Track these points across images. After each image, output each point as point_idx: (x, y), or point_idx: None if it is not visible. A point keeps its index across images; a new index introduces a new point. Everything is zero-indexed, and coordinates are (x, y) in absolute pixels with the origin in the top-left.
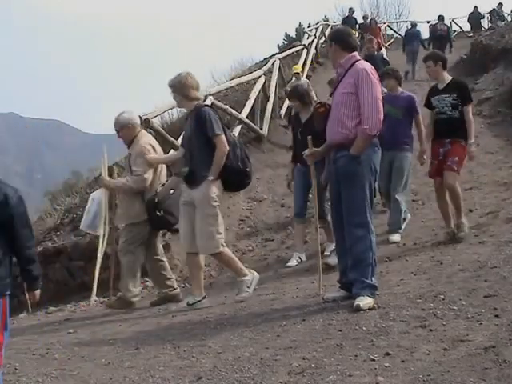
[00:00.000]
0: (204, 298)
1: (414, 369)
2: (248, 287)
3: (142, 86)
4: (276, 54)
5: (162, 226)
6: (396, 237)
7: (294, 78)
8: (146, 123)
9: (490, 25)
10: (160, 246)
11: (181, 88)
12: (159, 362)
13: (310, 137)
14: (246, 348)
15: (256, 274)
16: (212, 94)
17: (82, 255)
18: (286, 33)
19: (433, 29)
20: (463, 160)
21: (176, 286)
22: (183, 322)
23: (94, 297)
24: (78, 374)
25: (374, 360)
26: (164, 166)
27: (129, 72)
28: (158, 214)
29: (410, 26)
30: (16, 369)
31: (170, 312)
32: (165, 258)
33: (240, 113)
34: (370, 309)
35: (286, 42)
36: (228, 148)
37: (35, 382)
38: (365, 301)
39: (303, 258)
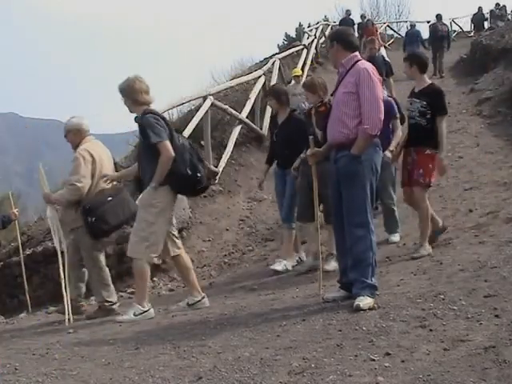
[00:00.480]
0: (203, 297)
1: (414, 369)
2: (135, 315)
3: None
4: (276, 54)
5: (93, 233)
6: (396, 237)
7: (293, 81)
8: None
9: (489, 25)
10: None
11: (129, 93)
12: (159, 361)
13: (311, 137)
14: (245, 348)
15: (152, 312)
16: (212, 94)
17: None
18: (286, 33)
19: (433, 29)
20: (430, 170)
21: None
22: (183, 321)
23: (67, 313)
24: (77, 374)
25: (374, 360)
26: (106, 171)
27: (129, 72)
28: (90, 220)
29: (409, 27)
30: (16, 369)
31: (169, 312)
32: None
33: (240, 113)
34: (370, 309)
35: (286, 42)
36: (173, 154)
37: (35, 381)
38: (365, 301)
39: (303, 257)
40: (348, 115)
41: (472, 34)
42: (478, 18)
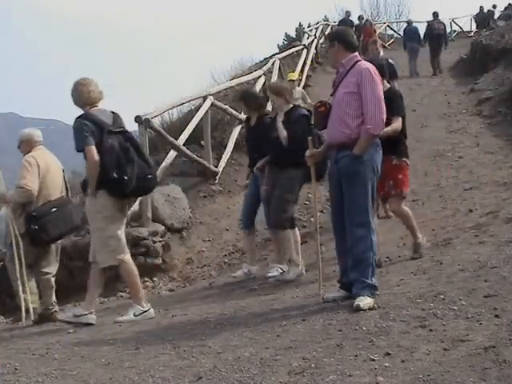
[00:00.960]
0: (91, 313)
1: (414, 369)
2: (135, 316)
3: (142, 85)
4: (276, 54)
5: (33, 241)
6: None
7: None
8: (146, 123)
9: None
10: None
11: (73, 97)
12: (159, 361)
13: (310, 138)
14: (246, 348)
15: (152, 312)
16: (212, 94)
17: (82, 255)
18: (285, 33)
19: (430, 27)
20: (401, 181)
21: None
22: (183, 321)
23: (23, 320)
24: (77, 374)
25: (374, 360)
26: (56, 183)
27: (129, 72)
28: (32, 227)
29: (406, 25)
30: (16, 369)
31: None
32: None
33: (240, 113)
34: (370, 309)
35: (285, 42)
36: (96, 158)
37: (35, 381)
38: (365, 301)
39: (253, 271)
40: (350, 115)
41: (472, 33)
42: (480, 16)
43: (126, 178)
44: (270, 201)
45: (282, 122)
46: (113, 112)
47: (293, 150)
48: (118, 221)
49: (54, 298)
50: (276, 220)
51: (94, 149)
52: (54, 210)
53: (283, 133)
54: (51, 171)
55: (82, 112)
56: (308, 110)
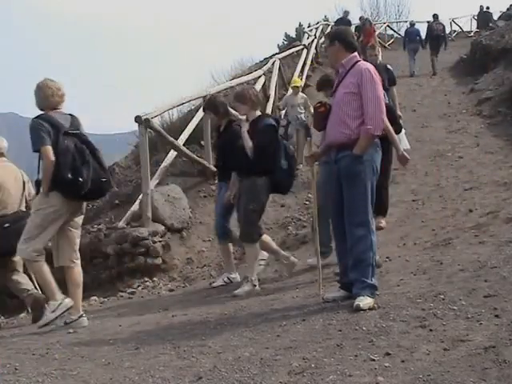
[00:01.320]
0: (81, 316)
1: (414, 369)
2: (53, 311)
3: (142, 85)
4: (276, 54)
5: None
6: None
7: (290, 90)
8: (146, 123)
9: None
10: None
11: (35, 97)
12: (159, 361)
13: (309, 138)
14: (245, 348)
15: (68, 300)
16: (212, 94)
17: (82, 255)
18: (285, 33)
19: (430, 28)
20: None
21: (31, 290)
22: (183, 321)
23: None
24: (77, 374)
25: (374, 360)
26: (12, 198)
27: (129, 72)
28: None
29: (409, 26)
30: (16, 369)
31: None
32: (21, 269)
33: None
34: (370, 309)
35: (285, 42)
36: (52, 158)
37: (35, 382)
38: (365, 301)
39: (234, 277)
40: (350, 116)
41: (472, 33)
42: (481, 17)
43: (80, 179)
44: (232, 208)
45: (248, 131)
46: (71, 115)
47: (258, 160)
48: (61, 223)
49: (30, 284)
50: (244, 233)
51: (50, 149)
52: (6, 225)
53: (248, 142)
54: (8, 185)
55: (41, 112)
56: (276, 120)
